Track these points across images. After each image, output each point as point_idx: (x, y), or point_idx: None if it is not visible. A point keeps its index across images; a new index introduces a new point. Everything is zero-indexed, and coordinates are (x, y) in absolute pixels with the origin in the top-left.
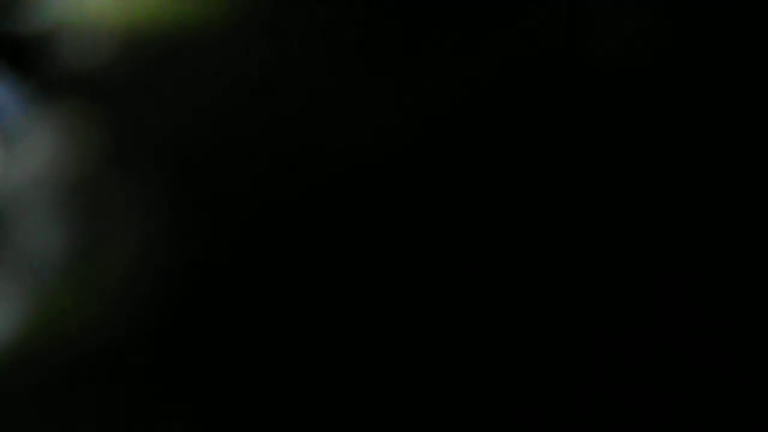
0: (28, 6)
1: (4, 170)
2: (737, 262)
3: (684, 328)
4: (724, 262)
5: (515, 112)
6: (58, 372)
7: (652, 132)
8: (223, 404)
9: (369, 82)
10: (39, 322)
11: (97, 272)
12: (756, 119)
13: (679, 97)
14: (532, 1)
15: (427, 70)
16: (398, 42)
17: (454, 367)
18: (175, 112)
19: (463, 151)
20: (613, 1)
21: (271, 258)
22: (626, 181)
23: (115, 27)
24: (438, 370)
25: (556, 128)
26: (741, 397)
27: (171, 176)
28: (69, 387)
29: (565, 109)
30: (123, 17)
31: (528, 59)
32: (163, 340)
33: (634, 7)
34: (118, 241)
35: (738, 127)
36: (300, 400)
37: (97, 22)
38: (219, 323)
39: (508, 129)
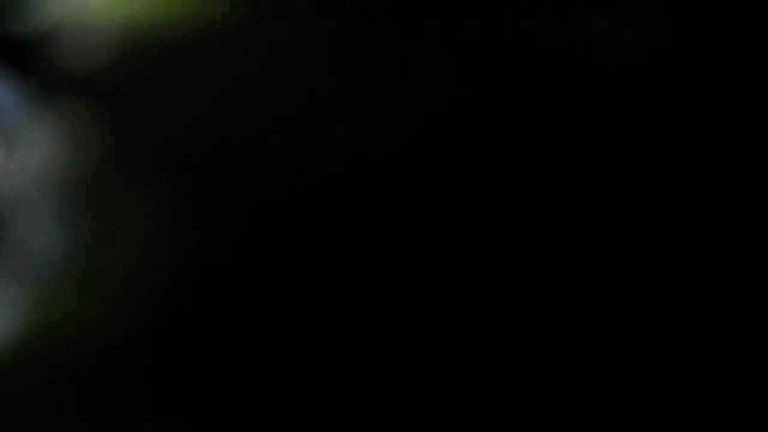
0: (28, 6)
1: (4, 170)
2: (737, 261)
3: (684, 328)
4: (725, 262)
5: (515, 112)
6: (58, 372)
7: (652, 132)
8: (223, 404)
9: (369, 82)
10: (39, 322)
11: (97, 272)
12: (756, 119)
13: (679, 96)
14: (532, 1)
15: (426, 70)
16: (398, 42)
17: (455, 367)
18: (175, 112)
19: (463, 151)
20: (613, 1)
21: (271, 258)
22: (626, 181)
23: (115, 27)
24: (439, 371)
25: (557, 128)
26: (741, 397)
27: (171, 176)
28: (69, 387)
29: (565, 108)
30: (123, 17)
31: (528, 59)
32: (163, 340)
33: (634, 7)
34: (118, 241)
35: (738, 127)
36: (299, 400)
37: (97, 22)
38: (219, 323)
39: (508, 129)
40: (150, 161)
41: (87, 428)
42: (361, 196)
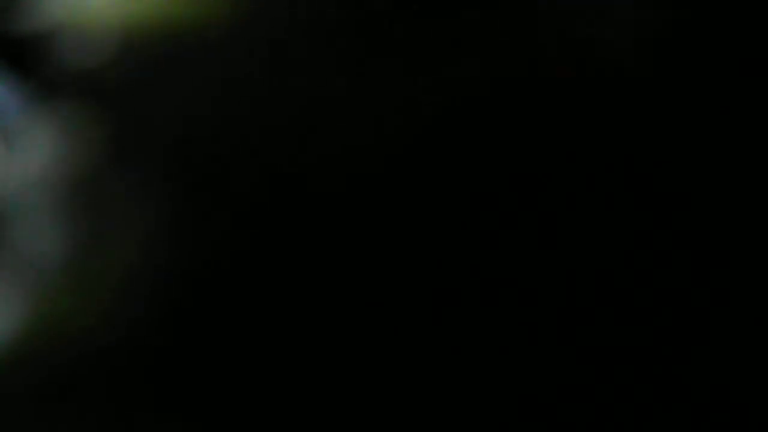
0: (28, 6)
1: (4, 170)
2: (738, 261)
3: (684, 328)
4: (726, 262)
5: (515, 113)
6: (58, 372)
7: (651, 131)
8: (223, 404)
9: (369, 82)
10: (39, 322)
11: (97, 272)
12: (756, 118)
13: (678, 98)
14: (532, 2)
15: (426, 71)
16: (398, 42)
17: (455, 367)
18: (175, 112)
19: (464, 152)
20: (613, 1)
21: (271, 258)
22: (626, 182)
23: (115, 27)
24: (439, 371)
25: (557, 130)
26: (741, 397)
27: (171, 176)
28: (69, 387)
29: (565, 110)
30: (123, 17)
31: (528, 59)
32: (163, 340)
33: (634, 7)
34: (118, 241)
35: (738, 127)
36: (300, 401)
37: (97, 22)
38: (219, 323)
39: (508, 130)
40: (150, 161)
41: (87, 428)
42: (362, 197)
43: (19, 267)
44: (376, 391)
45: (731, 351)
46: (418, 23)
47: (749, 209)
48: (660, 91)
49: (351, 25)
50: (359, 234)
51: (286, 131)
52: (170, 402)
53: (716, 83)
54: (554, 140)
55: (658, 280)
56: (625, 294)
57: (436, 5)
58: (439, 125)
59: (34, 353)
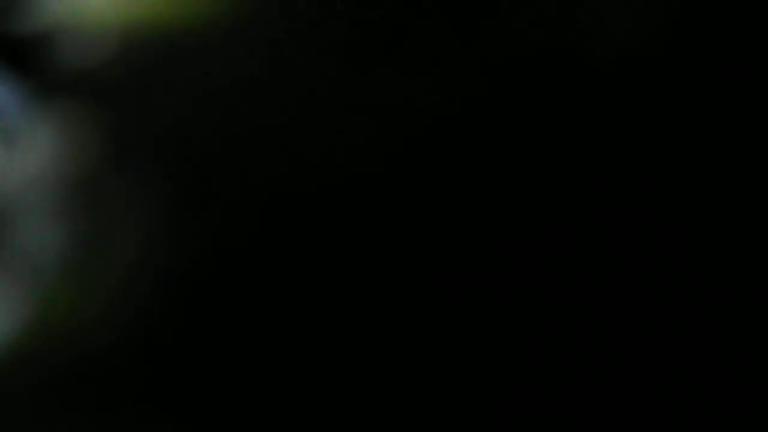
0: (28, 6)
1: (4, 170)
2: (738, 261)
3: (684, 329)
4: (726, 261)
5: (512, 112)
6: (58, 372)
7: (651, 131)
8: (223, 404)
9: (369, 82)
10: (39, 322)
11: (97, 272)
12: (756, 117)
13: (678, 96)
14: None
15: (426, 70)
16: (397, 42)
17: (455, 367)
18: (175, 112)
19: (463, 150)
20: (613, 1)
21: (271, 258)
22: (626, 180)
23: (115, 27)
24: (438, 371)
25: (556, 127)
26: (741, 397)
27: (171, 176)
28: (69, 387)
29: (564, 107)
30: (123, 17)
31: (525, 59)
32: (163, 340)
33: (634, 7)
34: (118, 241)
35: (738, 127)
36: (299, 400)
37: (97, 22)
38: (219, 323)
39: (505, 129)
40: (150, 161)
41: (87, 428)
42: (363, 197)
43: (19, 267)
44: (375, 390)
45: (731, 351)
46: (417, 23)
47: (749, 208)
48: (659, 89)
49: (351, 24)
50: (359, 234)
51: (286, 131)
52: (170, 402)
53: (715, 81)
54: (554, 139)
55: (658, 279)
56: (625, 294)
57: (436, 6)
58: (439, 125)
59: (34, 353)
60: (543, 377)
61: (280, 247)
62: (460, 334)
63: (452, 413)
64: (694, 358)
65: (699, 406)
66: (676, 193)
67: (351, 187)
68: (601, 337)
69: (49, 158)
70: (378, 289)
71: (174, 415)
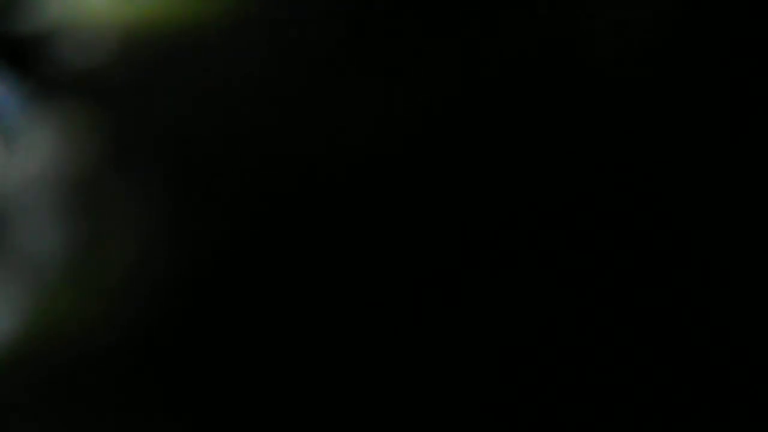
0: (28, 6)
1: (4, 170)
2: (738, 262)
3: (684, 329)
4: (726, 262)
5: (511, 112)
6: (58, 372)
7: (651, 131)
8: (224, 404)
9: (369, 81)
10: (39, 322)
11: (97, 272)
12: (756, 118)
13: (678, 96)
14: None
15: (426, 69)
16: (397, 41)
17: (454, 367)
18: (175, 112)
19: (462, 149)
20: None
21: (271, 257)
22: (625, 179)
23: (115, 27)
24: (438, 371)
25: (555, 126)
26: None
27: (171, 176)
28: (69, 387)
29: (563, 105)
30: (123, 17)
31: (524, 58)
32: (163, 340)
33: (634, 6)
34: (118, 241)
35: (738, 127)
36: (300, 400)
37: (97, 22)
38: (219, 323)
39: (503, 129)
40: (150, 161)
41: (87, 428)
42: (363, 197)
43: (19, 267)
44: (376, 390)
45: (731, 351)
46: (418, 23)
47: (749, 208)
48: (657, 90)
49: (351, 24)
50: (360, 234)
51: (286, 131)
52: (170, 402)
53: (716, 81)
54: (554, 139)
55: (657, 280)
56: (625, 294)
57: (436, 6)
58: (439, 125)
59: (34, 353)
60: (543, 377)
61: (280, 247)
62: (460, 334)
63: (452, 413)
64: (694, 358)
65: (699, 405)
66: (676, 193)
67: (352, 187)
68: (601, 338)
69: (49, 158)
70: (379, 289)
71: (174, 415)
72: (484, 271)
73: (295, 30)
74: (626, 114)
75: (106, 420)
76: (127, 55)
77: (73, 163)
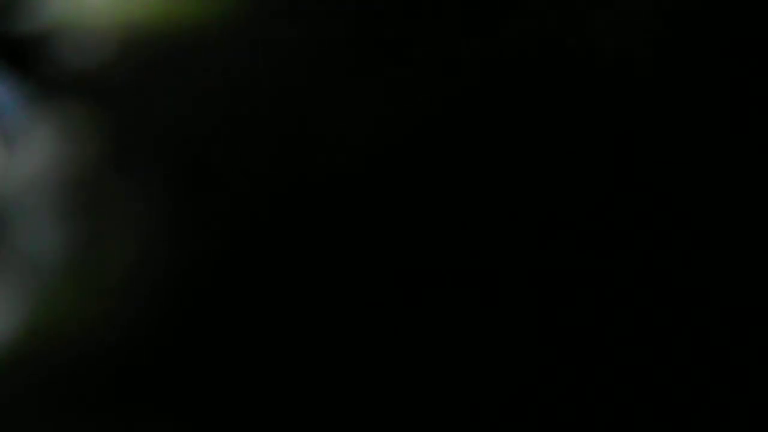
0: (28, 6)
1: (4, 170)
2: (737, 261)
3: (684, 329)
4: (725, 262)
5: (510, 112)
6: (58, 372)
7: (651, 131)
8: (223, 404)
9: (369, 81)
10: (39, 322)
11: (97, 272)
12: (756, 118)
13: (678, 96)
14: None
15: (426, 68)
16: (397, 41)
17: (454, 366)
18: (175, 112)
19: (462, 148)
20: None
21: (271, 257)
22: (626, 179)
23: (114, 27)
24: (438, 371)
25: (555, 125)
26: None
27: (171, 176)
28: (69, 387)
29: (563, 104)
30: (122, 17)
31: (524, 58)
32: (163, 340)
33: (634, 6)
34: (118, 241)
35: (738, 127)
36: (300, 400)
37: (97, 22)
38: (219, 323)
39: (502, 129)
40: (150, 161)
41: (87, 428)
42: (363, 197)
43: (19, 267)
44: (375, 391)
45: (731, 351)
46: (418, 23)
47: (749, 208)
48: (659, 89)
49: (351, 24)
50: (359, 234)
51: (286, 131)
52: (170, 402)
53: (715, 80)
54: (554, 139)
55: (657, 280)
56: (625, 294)
57: (437, 6)
58: (440, 126)
59: (34, 353)
60: (543, 377)
61: (280, 246)
62: (459, 334)
63: (452, 413)
64: (694, 357)
65: (698, 406)
66: (677, 194)
67: (352, 187)
68: (601, 338)
69: (49, 158)
70: (379, 289)
71: (174, 415)
72: (484, 271)
73: (294, 30)
74: (626, 114)
75: (106, 420)
76: (127, 55)
77: (73, 163)
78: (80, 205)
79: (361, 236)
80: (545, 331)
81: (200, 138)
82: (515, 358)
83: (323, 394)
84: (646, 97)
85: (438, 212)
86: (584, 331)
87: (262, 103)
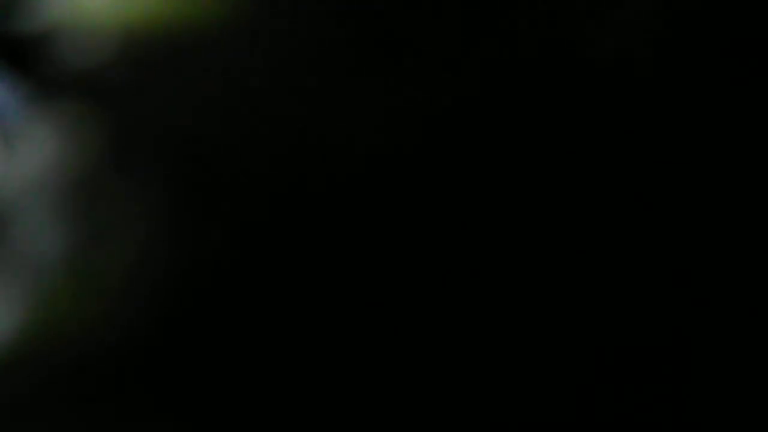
0: (28, 6)
1: (4, 170)
2: (737, 261)
3: (684, 329)
4: (725, 262)
5: (511, 112)
6: (58, 372)
7: (652, 131)
8: (223, 404)
9: (368, 81)
10: (39, 322)
11: (97, 272)
12: (756, 118)
13: (678, 95)
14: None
15: (426, 69)
16: (397, 42)
17: (456, 367)
18: (175, 112)
19: (463, 150)
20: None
21: (271, 257)
22: (626, 180)
23: (114, 27)
24: (439, 371)
25: (557, 127)
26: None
27: (171, 176)
28: (69, 387)
29: (565, 107)
30: (123, 17)
31: (526, 58)
32: (163, 340)
33: (635, 7)
34: (118, 241)
35: (738, 127)
36: (299, 401)
37: (97, 22)
38: (219, 323)
39: (503, 129)
40: (150, 161)
41: (87, 428)
42: (363, 197)
43: (19, 267)
44: (374, 391)
45: (730, 352)
46: (418, 23)
47: (749, 209)
48: (659, 90)
49: (351, 24)
50: (359, 235)
51: (286, 131)
52: (170, 402)
53: (716, 81)
54: (555, 140)
55: (656, 280)
56: (624, 294)
57: (437, 6)
58: (441, 126)
59: (34, 353)
60: (541, 377)
61: (280, 246)
62: (460, 335)
63: (452, 414)
64: (694, 358)
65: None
66: (677, 194)
67: (352, 187)
68: (600, 338)
69: (49, 158)
70: (381, 290)
71: (174, 414)
72: (485, 271)
73: (294, 30)
74: (626, 114)
75: (106, 419)
76: (127, 55)
77: (73, 163)
78: (80, 205)
79: (361, 236)
80: (545, 331)
81: (200, 138)
82: (515, 358)
83: (323, 393)
84: (646, 97)
85: (439, 213)
86: (584, 331)
87: (262, 103)
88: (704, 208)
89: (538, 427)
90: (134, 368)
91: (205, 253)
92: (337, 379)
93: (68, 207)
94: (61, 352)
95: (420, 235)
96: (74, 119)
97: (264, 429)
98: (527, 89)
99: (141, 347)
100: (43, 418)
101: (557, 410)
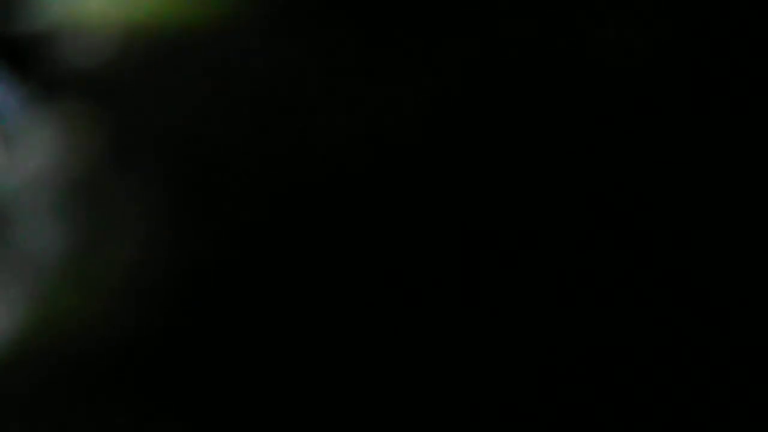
0: (28, 6)
1: (4, 170)
2: (737, 261)
3: (684, 329)
4: (725, 262)
5: (509, 112)
6: (58, 372)
7: (651, 131)
8: (223, 404)
9: (368, 81)
10: (39, 321)
11: (97, 272)
12: (756, 119)
13: (678, 95)
14: (533, 4)
15: (426, 72)
16: (397, 43)
17: (455, 366)
18: (175, 112)
19: (462, 151)
20: (613, 5)
21: (271, 257)
22: (627, 181)
23: (115, 27)
24: (438, 370)
25: (556, 130)
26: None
27: (171, 176)
28: (69, 386)
29: (565, 110)
30: (123, 17)
31: (526, 61)
32: (163, 340)
33: (635, 8)
34: (119, 241)
35: (738, 126)
36: (299, 400)
37: (98, 22)
38: (219, 322)
39: (502, 129)
40: (150, 161)
41: (87, 428)
42: (362, 197)
43: (19, 267)
44: (373, 391)
45: (730, 352)
46: (417, 23)
47: (749, 209)
48: (659, 91)
49: (351, 24)
50: (359, 234)
51: (286, 131)
52: (170, 401)
53: (716, 83)
54: (553, 140)
55: (655, 281)
56: (624, 294)
57: (435, 6)
58: (440, 126)
59: (35, 353)
60: (542, 378)
61: (280, 246)
62: (459, 335)
63: (452, 414)
64: (694, 358)
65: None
66: (677, 194)
67: (352, 187)
68: (600, 338)
69: (49, 158)
70: (380, 290)
71: (174, 414)
72: (486, 270)
73: (294, 30)
74: (626, 114)
75: (106, 418)
76: (127, 55)
77: (73, 163)
78: (80, 205)
79: (360, 236)
80: (545, 331)
81: (200, 138)
82: (515, 358)
83: (323, 393)
84: (645, 97)
85: (437, 212)
86: (584, 331)
87: (262, 103)
88: (705, 208)
89: (538, 427)
90: (134, 367)
91: (205, 252)
92: (338, 378)
93: (68, 207)
94: (62, 351)
95: (420, 235)
96: (74, 119)
97: (264, 429)
98: (525, 89)
99: (141, 346)
100: (44, 417)
101: (557, 410)
